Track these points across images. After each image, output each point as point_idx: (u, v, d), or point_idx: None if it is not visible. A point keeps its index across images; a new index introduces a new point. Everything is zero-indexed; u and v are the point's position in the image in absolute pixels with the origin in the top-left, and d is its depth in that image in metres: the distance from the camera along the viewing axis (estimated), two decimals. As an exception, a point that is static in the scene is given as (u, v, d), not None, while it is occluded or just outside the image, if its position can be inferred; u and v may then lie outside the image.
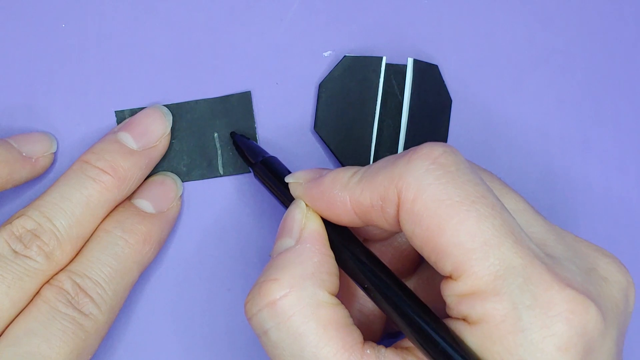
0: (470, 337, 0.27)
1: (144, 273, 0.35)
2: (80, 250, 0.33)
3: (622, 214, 0.39)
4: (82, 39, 0.37)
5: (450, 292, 0.27)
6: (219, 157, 0.37)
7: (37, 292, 0.32)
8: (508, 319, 0.26)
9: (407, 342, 0.29)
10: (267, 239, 0.37)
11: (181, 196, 0.37)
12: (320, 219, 0.31)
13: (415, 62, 0.37)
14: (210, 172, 0.37)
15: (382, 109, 0.37)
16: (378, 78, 0.37)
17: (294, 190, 0.32)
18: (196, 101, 0.37)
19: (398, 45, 0.38)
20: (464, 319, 0.27)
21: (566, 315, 0.26)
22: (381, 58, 0.37)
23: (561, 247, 0.29)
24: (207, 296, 0.37)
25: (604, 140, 0.39)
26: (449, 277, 0.28)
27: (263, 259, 0.37)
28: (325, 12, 0.38)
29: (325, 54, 0.38)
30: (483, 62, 0.38)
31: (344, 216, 0.30)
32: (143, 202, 0.35)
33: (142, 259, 0.34)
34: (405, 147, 0.37)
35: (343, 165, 0.37)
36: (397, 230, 0.29)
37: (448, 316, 0.28)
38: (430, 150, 0.28)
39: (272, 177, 0.34)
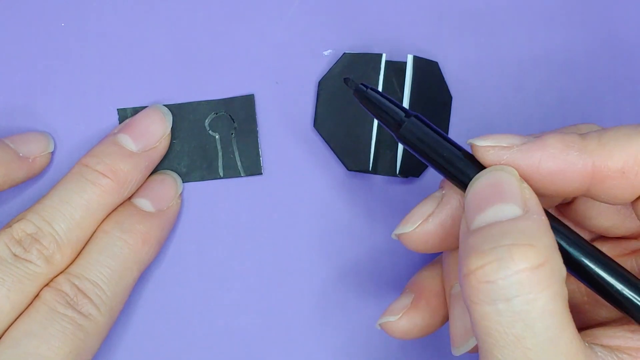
0: None
1: (144, 273, 0.36)
2: (80, 252, 0.34)
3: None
4: (82, 39, 0.37)
5: None
6: (220, 159, 0.37)
7: (37, 295, 0.32)
8: None
9: (608, 339, 0.28)
10: (266, 240, 0.37)
11: (181, 194, 0.37)
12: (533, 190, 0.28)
13: (415, 59, 0.37)
14: (210, 173, 0.37)
15: (382, 106, 0.37)
16: (378, 75, 0.37)
17: (493, 156, 0.28)
18: (198, 102, 0.37)
19: (398, 42, 0.38)
20: None
21: None
22: (381, 55, 0.37)
23: None
24: (207, 296, 0.37)
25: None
26: None
27: (262, 260, 0.37)
28: (325, 10, 0.38)
29: (325, 52, 0.38)
30: (483, 59, 0.38)
31: (573, 184, 0.28)
32: (142, 201, 0.35)
33: (142, 259, 0.34)
34: (406, 145, 0.37)
35: (343, 163, 0.37)
36: (628, 201, 0.28)
37: None
38: None
39: (438, 136, 0.29)
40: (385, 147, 0.37)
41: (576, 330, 0.26)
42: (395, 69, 0.37)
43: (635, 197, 0.28)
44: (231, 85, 0.37)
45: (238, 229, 0.37)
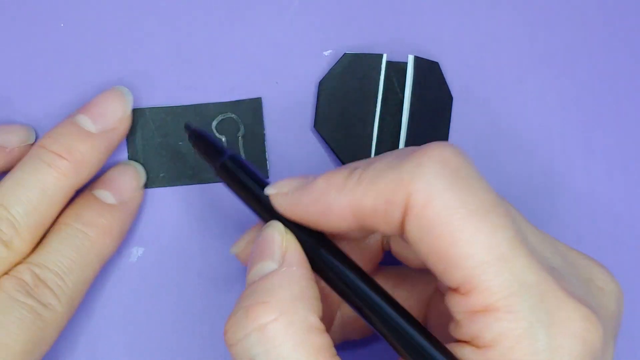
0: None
1: (142, 276, 0.36)
2: (40, 240, 0.33)
3: (624, 214, 0.38)
4: (81, 38, 0.37)
5: (460, 307, 0.26)
6: None
7: None
8: (524, 339, 0.25)
9: None
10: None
11: (144, 185, 0.36)
12: (298, 241, 0.30)
13: (416, 59, 0.37)
14: (216, 176, 0.37)
15: (382, 106, 0.37)
16: (378, 76, 0.37)
17: (278, 201, 0.30)
18: (206, 104, 0.37)
19: (398, 42, 0.38)
20: (471, 341, 0.26)
21: (582, 335, 0.25)
22: (381, 55, 0.37)
23: (559, 258, 0.28)
24: (209, 298, 0.37)
25: (606, 139, 0.38)
26: (455, 291, 0.26)
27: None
28: (326, 10, 0.38)
29: (326, 53, 0.38)
30: (484, 60, 0.38)
31: (340, 223, 0.28)
32: (103, 193, 0.34)
33: (103, 252, 0.34)
34: (407, 145, 0.37)
35: (344, 163, 0.37)
36: (396, 234, 0.28)
37: (449, 337, 0.27)
38: (440, 152, 0.27)
39: (247, 180, 0.31)
40: (386, 147, 0.37)
41: None
42: (396, 69, 0.37)
43: (394, 232, 0.28)
44: (231, 86, 0.37)
45: (242, 232, 0.36)
